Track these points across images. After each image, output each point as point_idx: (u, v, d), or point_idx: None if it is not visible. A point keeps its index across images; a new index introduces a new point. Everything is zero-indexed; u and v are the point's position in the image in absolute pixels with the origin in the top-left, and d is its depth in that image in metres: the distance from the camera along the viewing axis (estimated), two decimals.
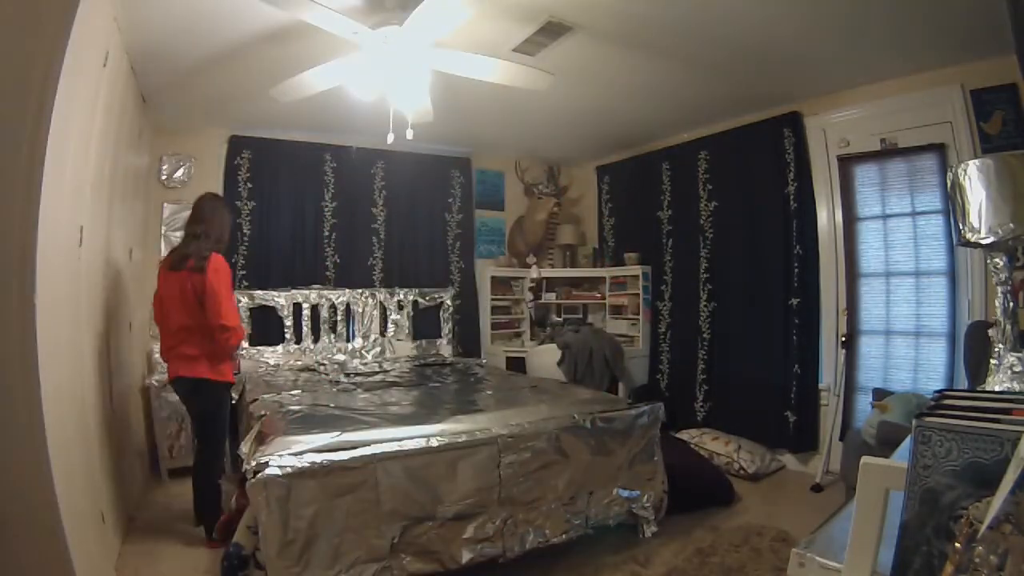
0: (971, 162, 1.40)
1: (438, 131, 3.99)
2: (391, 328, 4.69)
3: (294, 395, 3.09)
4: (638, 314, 4.81)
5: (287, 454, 1.98)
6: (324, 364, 4.19)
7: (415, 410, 2.85)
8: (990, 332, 1.49)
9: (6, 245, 1.52)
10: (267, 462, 1.92)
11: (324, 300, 4.44)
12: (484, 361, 4.74)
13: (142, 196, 3.75)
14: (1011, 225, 1.31)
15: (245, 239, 4.30)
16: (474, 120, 4.23)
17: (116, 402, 2.69)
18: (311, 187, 4.55)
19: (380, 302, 4.66)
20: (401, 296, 4.75)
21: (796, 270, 3.75)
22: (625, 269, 4.94)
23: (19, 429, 1.54)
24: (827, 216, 3.67)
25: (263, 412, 2.63)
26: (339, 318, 4.51)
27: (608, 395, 3.45)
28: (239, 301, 4.15)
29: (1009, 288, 1.45)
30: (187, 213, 4.06)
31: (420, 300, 4.82)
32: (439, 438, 2.25)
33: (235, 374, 2.88)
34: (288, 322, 4.30)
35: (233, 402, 3.63)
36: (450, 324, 4.93)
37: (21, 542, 1.54)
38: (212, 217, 2.75)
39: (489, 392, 3.37)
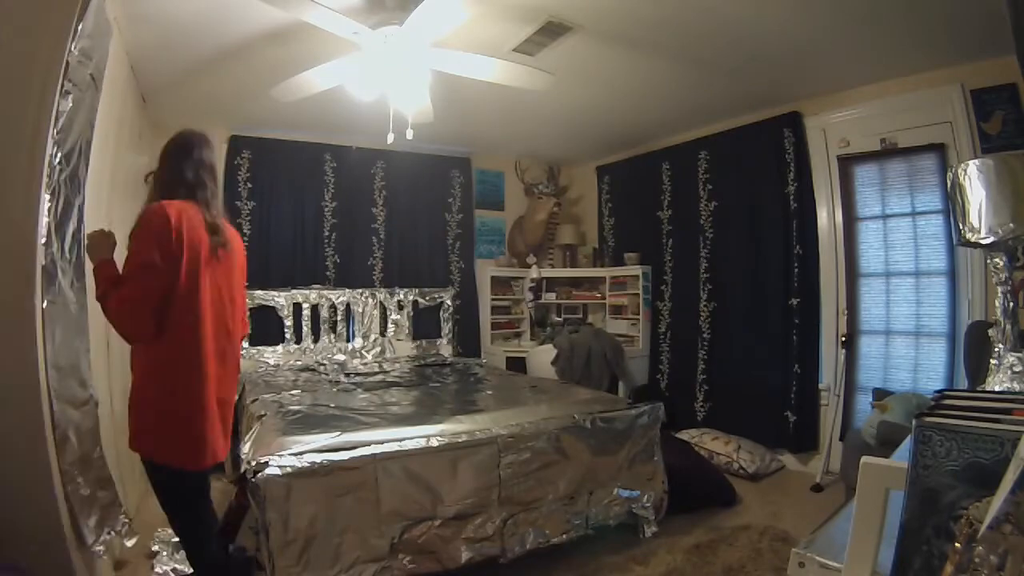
0: (971, 162, 1.40)
1: (438, 131, 3.99)
2: (391, 328, 4.69)
3: (294, 395, 3.09)
4: (638, 314, 4.81)
5: (287, 454, 1.98)
6: (324, 364, 4.19)
7: (415, 410, 2.85)
8: (990, 332, 1.49)
9: (7, 245, 1.51)
10: (267, 462, 1.92)
11: (324, 300, 4.44)
12: (484, 361, 4.74)
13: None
14: (1011, 225, 1.32)
15: (245, 239, 4.29)
16: (474, 120, 4.23)
17: (116, 402, 2.69)
18: (311, 187, 4.55)
19: (380, 302, 4.66)
20: (401, 296, 4.75)
21: (796, 270, 3.75)
22: (625, 269, 4.94)
23: (19, 429, 1.54)
24: (827, 216, 3.67)
25: (263, 412, 2.63)
26: (339, 318, 4.51)
27: (608, 395, 3.45)
28: None
29: (1009, 288, 1.45)
30: None
31: (420, 300, 4.82)
32: (439, 438, 2.25)
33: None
34: (288, 322, 4.30)
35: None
36: (450, 324, 4.93)
37: (21, 542, 1.54)
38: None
39: (489, 392, 3.37)
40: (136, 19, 2.54)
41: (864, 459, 0.88)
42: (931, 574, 0.70)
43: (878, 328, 3.51)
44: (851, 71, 3.28)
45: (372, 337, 4.60)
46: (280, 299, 4.29)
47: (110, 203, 2.63)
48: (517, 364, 4.84)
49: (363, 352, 4.52)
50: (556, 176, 5.29)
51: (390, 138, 2.77)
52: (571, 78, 3.28)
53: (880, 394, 3.10)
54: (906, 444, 0.94)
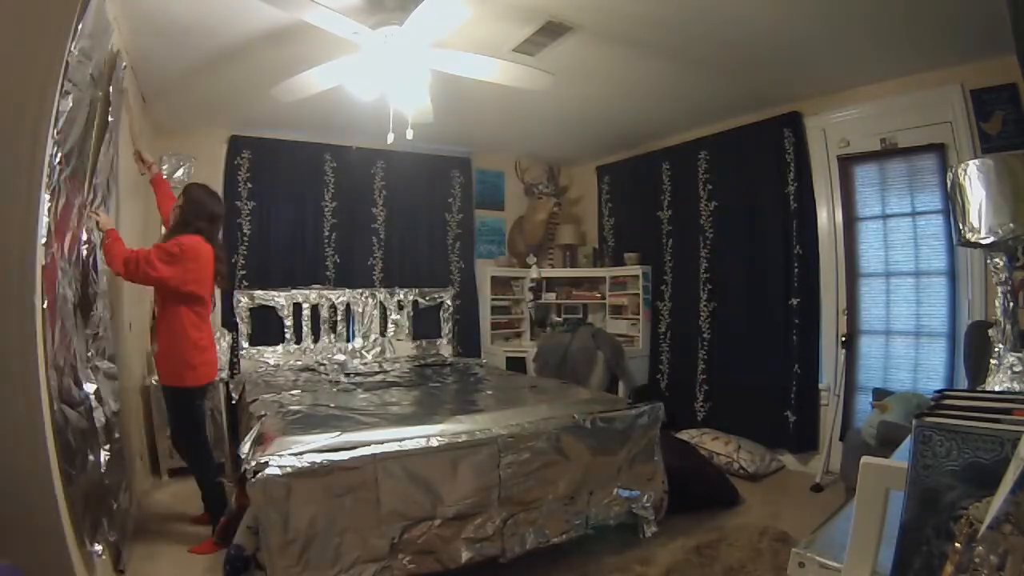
0: (971, 162, 1.40)
1: (438, 131, 3.99)
2: (391, 328, 4.69)
3: (294, 395, 3.10)
4: (638, 314, 4.81)
5: (287, 454, 1.98)
6: (324, 364, 4.19)
7: (415, 410, 2.85)
8: (990, 332, 1.49)
9: (7, 246, 1.51)
10: (267, 462, 1.92)
11: (324, 300, 4.44)
12: (484, 361, 4.74)
13: (142, 196, 3.75)
14: (1011, 225, 1.32)
15: (245, 239, 4.30)
16: (474, 120, 4.23)
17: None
18: (311, 187, 4.55)
19: (380, 302, 4.67)
20: (401, 296, 4.75)
21: (796, 270, 3.75)
22: (625, 269, 4.94)
23: (19, 429, 1.54)
24: (827, 216, 3.67)
25: (263, 412, 2.63)
26: (339, 318, 4.51)
27: (608, 395, 3.46)
28: (239, 301, 4.17)
29: (1009, 288, 1.45)
30: None
31: (420, 300, 4.82)
32: (439, 438, 2.25)
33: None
34: (288, 322, 4.30)
35: (233, 402, 3.64)
36: (450, 324, 4.93)
37: (21, 542, 1.54)
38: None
39: (489, 392, 3.37)
40: (136, 19, 2.54)
41: (864, 459, 0.88)
42: (931, 574, 0.70)
43: (878, 328, 3.51)
44: (851, 71, 3.27)
45: (372, 337, 4.60)
46: (280, 299, 4.29)
47: (111, 202, 2.62)
48: (517, 364, 4.84)
49: (363, 352, 4.52)
50: (556, 176, 5.29)
51: (390, 138, 2.77)
52: (571, 78, 3.28)
53: (880, 394, 3.10)
54: (906, 444, 0.94)
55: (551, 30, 2.75)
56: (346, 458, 2.03)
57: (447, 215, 5.11)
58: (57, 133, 1.61)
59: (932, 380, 3.19)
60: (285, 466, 1.92)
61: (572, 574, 2.41)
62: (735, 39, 2.85)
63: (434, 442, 2.22)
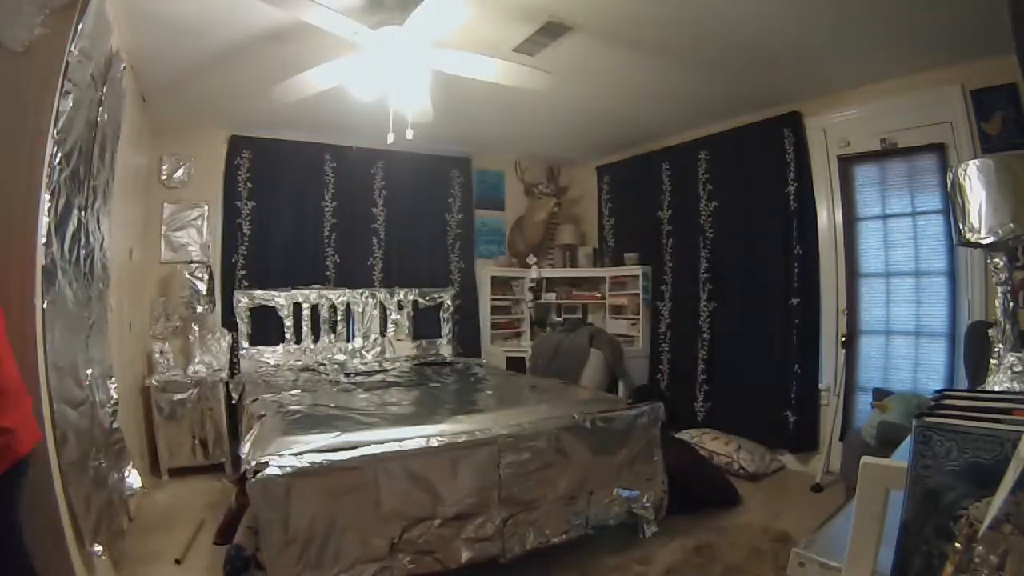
0: (971, 162, 1.41)
1: (438, 131, 3.99)
2: (391, 328, 4.69)
3: (294, 395, 3.10)
4: (638, 314, 4.81)
5: (287, 454, 1.98)
6: (324, 364, 4.19)
7: (415, 410, 2.86)
8: (990, 332, 1.49)
9: (7, 246, 1.51)
10: (267, 462, 1.92)
11: (324, 300, 4.44)
12: (484, 361, 4.74)
13: (142, 196, 3.76)
14: (1011, 225, 1.32)
15: (245, 239, 4.30)
16: (474, 120, 4.23)
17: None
18: (311, 187, 4.55)
19: (380, 302, 4.67)
20: (401, 296, 4.75)
21: (796, 270, 3.75)
22: (625, 269, 4.94)
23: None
24: (827, 216, 3.67)
25: (263, 412, 2.63)
26: (339, 318, 4.51)
27: (608, 395, 3.46)
28: (239, 301, 4.17)
29: (1009, 288, 1.45)
30: (187, 213, 4.12)
31: (420, 300, 4.82)
32: (439, 438, 2.25)
33: None
34: (288, 322, 4.30)
35: (233, 402, 3.64)
36: (450, 324, 4.93)
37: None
38: None
39: (489, 392, 3.37)
40: (136, 19, 2.54)
41: (864, 459, 0.88)
42: (931, 574, 0.70)
43: (878, 328, 3.50)
44: (851, 71, 3.27)
45: (372, 337, 4.60)
46: (280, 299, 4.29)
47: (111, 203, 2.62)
48: (517, 364, 4.84)
49: (363, 352, 4.52)
50: (556, 176, 5.29)
51: (390, 138, 2.76)
52: (571, 78, 3.28)
53: (880, 394, 3.10)
54: (906, 444, 0.94)
55: (551, 30, 2.75)
56: (346, 458, 2.03)
57: (447, 215, 5.11)
58: (57, 133, 1.61)
59: (932, 380, 3.18)
60: (285, 466, 1.92)
61: (572, 574, 2.41)
62: (735, 39, 2.84)
63: (434, 442, 2.22)
